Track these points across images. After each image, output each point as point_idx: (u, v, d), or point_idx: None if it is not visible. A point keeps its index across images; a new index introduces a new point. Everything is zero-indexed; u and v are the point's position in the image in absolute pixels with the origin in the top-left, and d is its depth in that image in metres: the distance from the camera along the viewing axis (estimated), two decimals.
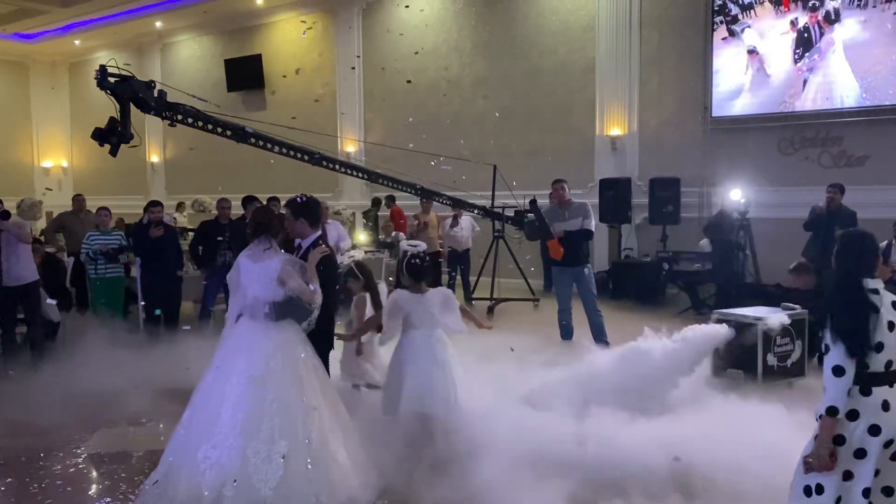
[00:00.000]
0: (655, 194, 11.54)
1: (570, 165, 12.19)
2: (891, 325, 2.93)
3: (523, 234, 8.68)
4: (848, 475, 2.93)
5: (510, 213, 8.80)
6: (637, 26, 12.13)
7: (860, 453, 2.91)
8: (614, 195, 11.72)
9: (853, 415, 2.91)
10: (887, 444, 2.93)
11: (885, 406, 2.92)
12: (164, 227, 8.69)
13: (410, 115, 14.23)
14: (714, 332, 6.14)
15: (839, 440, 2.92)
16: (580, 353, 6.38)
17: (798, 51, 10.66)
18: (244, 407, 3.94)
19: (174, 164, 18.85)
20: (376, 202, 13.18)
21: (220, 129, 5.92)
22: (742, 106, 11.27)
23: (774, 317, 6.40)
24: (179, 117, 5.63)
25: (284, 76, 16.11)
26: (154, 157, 19.15)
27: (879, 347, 2.91)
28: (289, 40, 16.47)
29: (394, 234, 11.82)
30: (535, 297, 10.99)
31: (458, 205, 10.56)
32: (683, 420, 5.12)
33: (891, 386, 2.94)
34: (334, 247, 8.14)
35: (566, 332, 8.07)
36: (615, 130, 12.39)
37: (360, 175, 7.49)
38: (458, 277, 11.49)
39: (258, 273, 4.14)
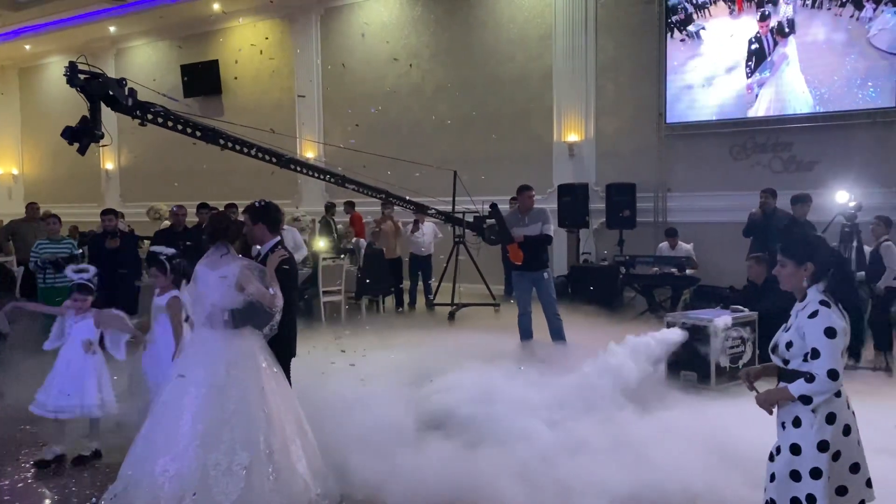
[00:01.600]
0: (612, 199, 11.72)
1: (530, 171, 12.30)
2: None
3: (482, 239, 8.77)
4: (842, 490, 2.84)
5: (470, 218, 8.87)
6: (593, 34, 12.32)
7: (836, 455, 2.84)
8: (572, 200, 11.86)
9: (832, 418, 2.84)
10: (845, 431, 2.88)
11: (848, 404, 2.95)
12: (122, 236, 8.55)
13: (370, 122, 14.24)
14: (670, 336, 6.35)
15: (822, 446, 2.82)
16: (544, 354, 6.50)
17: (750, 64, 10.93)
18: (204, 418, 3.90)
19: (129, 171, 18.52)
20: (329, 208, 13.11)
21: (190, 130, 5.85)
22: (696, 112, 11.52)
23: (721, 319, 6.56)
24: (150, 117, 5.54)
25: (236, 78, 15.92)
26: (108, 164, 18.79)
27: None
28: (246, 46, 16.34)
29: (354, 240, 11.80)
30: (495, 301, 11.06)
31: (421, 210, 10.63)
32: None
33: None
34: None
35: (525, 335, 8.17)
36: (573, 137, 12.56)
37: (328, 178, 7.45)
38: (420, 283, 11.51)
39: (216, 280, 4.10)
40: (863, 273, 8.49)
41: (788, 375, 2.94)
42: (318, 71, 15.35)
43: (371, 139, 12.81)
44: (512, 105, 13.16)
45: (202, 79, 16.48)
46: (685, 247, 10.83)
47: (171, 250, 5.39)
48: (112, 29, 17.57)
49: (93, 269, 5.35)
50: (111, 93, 5.33)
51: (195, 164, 15.87)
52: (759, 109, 10.95)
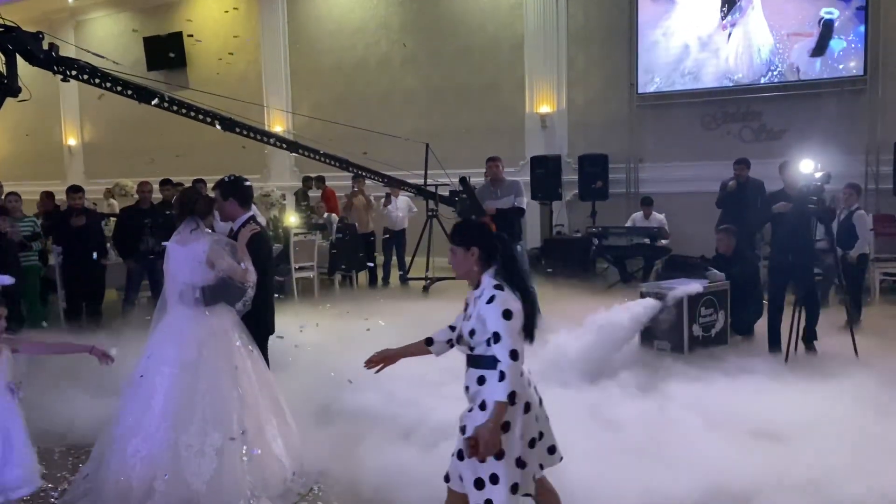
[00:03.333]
0: (585, 171, 11.73)
1: (502, 143, 12.23)
2: None
3: (455, 213, 8.73)
4: (521, 462, 2.92)
5: (444, 192, 8.82)
6: (564, 2, 12.21)
7: (531, 440, 2.97)
8: (545, 172, 11.84)
9: (512, 397, 2.85)
10: (526, 409, 2.96)
11: (530, 381, 3.04)
12: (87, 214, 8.35)
13: (338, 94, 14.04)
14: (646, 306, 6.39)
15: (505, 426, 2.87)
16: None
17: (724, 9, 10.97)
18: (175, 398, 3.82)
19: (93, 147, 18.10)
20: (306, 181, 12.94)
21: (119, 88, 5.67)
22: (667, 82, 11.52)
23: (693, 286, 6.62)
24: (73, 73, 5.36)
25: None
26: (71, 140, 18.34)
27: None
28: (211, 17, 15.95)
29: (326, 215, 11.66)
30: None
31: (392, 183, 10.54)
32: None
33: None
34: None
35: None
36: (545, 108, 12.49)
37: (275, 143, 7.32)
38: (395, 258, 11.44)
39: (186, 256, 3.99)
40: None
41: (475, 361, 3.00)
42: (285, 42, 15.05)
43: (340, 112, 12.60)
44: (483, 76, 13.04)
45: (166, 51, 16.07)
46: (658, 217, 10.89)
47: None
48: (70, 0, 17.03)
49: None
50: (28, 47, 5.13)
51: (161, 140, 15.57)
52: (729, 55, 10.95)
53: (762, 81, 10.81)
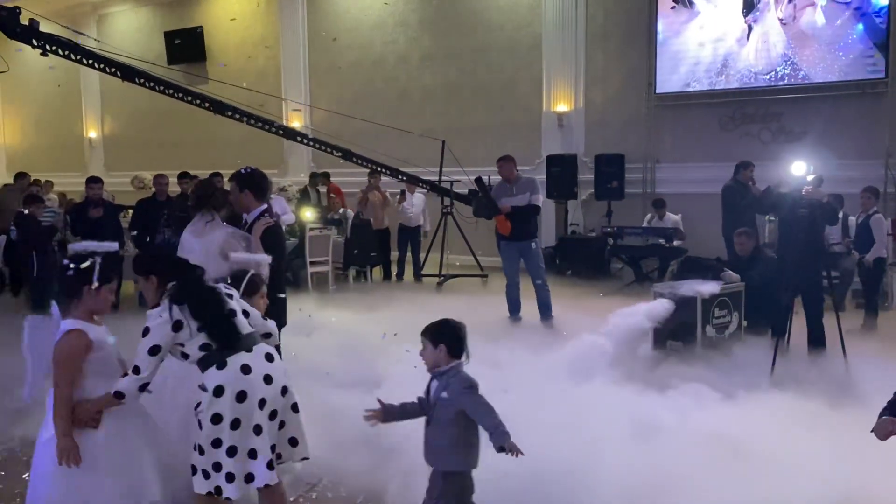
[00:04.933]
0: (601, 170, 11.69)
1: (518, 141, 12.23)
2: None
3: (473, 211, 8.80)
4: (253, 453, 3.05)
5: (462, 190, 8.87)
6: (583, 2, 12.18)
7: (235, 424, 3.04)
8: (561, 171, 11.82)
9: (219, 391, 3.04)
10: (261, 404, 3.08)
11: (246, 370, 3.09)
12: (104, 205, 8.44)
13: (356, 91, 14.09)
14: (657, 307, 6.38)
15: (216, 419, 3.02)
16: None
17: (744, 10, 10.91)
18: (187, 388, 3.84)
19: (113, 139, 18.26)
20: (313, 177, 13.02)
21: (102, 66, 5.73)
22: (685, 82, 11.45)
23: (707, 287, 6.58)
24: (53, 48, 5.42)
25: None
26: (92, 133, 18.52)
27: None
28: (231, 12, 16.05)
29: (341, 210, 11.71)
30: (483, 272, 11.06)
31: (410, 180, 10.60)
32: None
33: (249, 350, 3.15)
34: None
35: (513, 307, 8.16)
36: (562, 107, 12.47)
37: (277, 131, 7.35)
38: (409, 254, 11.47)
39: (200, 248, 4.04)
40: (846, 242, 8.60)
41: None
42: (305, 39, 15.11)
43: (357, 109, 12.65)
44: (500, 74, 13.03)
45: (186, 46, 16.19)
46: (673, 217, 10.85)
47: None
48: None
49: None
50: (4, 21, 5.20)
51: (181, 134, 15.72)
52: (749, 55, 10.88)
53: (782, 83, 10.72)
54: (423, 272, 11.24)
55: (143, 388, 3.08)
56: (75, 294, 3.12)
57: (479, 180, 8.39)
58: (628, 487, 3.75)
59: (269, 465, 3.08)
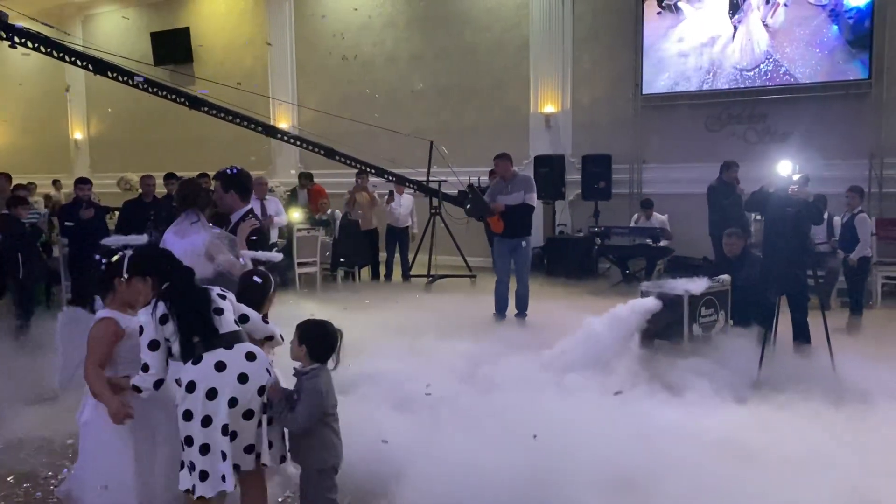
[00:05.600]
0: (588, 171, 11.73)
1: (506, 142, 12.21)
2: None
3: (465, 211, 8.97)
4: (205, 448, 3.02)
5: (451, 191, 8.98)
6: (570, 3, 12.22)
7: (206, 421, 3.02)
8: (549, 172, 11.85)
9: (192, 387, 3.03)
10: (231, 403, 3.04)
11: (220, 367, 3.07)
12: (95, 206, 8.41)
13: (344, 92, 14.07)
14: (644, 305, 6.39)
15: (187, 415, 3.02)
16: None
17: (730, 11, 11.00)
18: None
19: (99, 140, 18.15)
20: (301, 177, 12.99)
21: (74, 59, 5.70)
22: (672, 83, 11.51)
23: (695, 286, 6.61)
24: (23, 40, 5.38)
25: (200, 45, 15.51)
26: (77, 134, 18.41)
27: None
28: (218, 13, 16.00)
29: (329, 211, 11.69)
30: (472, 272, 11.06)
31: (397, 180, 10.62)
32: None
33: (229, 348, 3.12)
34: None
35: (500, 305, 8.22)
36: (549, 108, 12.50)
37: (255, 128, 7.33)
38: (398, 255, 11.46)
39: (184, 248, 4.00)
40: (832, 241, 8.67)
41: None
42: (292, 40, 15.08)
43: (346, 110, 12.64)
44: (488, 75, 13.05)
45: (173, 47, 16.12)
46: (660, 218, 10.90)
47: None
48: None
49: None
50: None
51: (167, 135, 15.65)
52: (734, 56, 10.96)
53: (768, 84, 10.79)
54: (411, 273, 11.24)
55: (159, 384, 3.13)
56: (108, 287, 3.33)
57: (471, 186, 8.63)
58: (620, 483, 3.76)
59: (235, 468, 3.06)
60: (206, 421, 3.01)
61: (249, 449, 3.11)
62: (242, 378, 3.07)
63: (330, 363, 3.26)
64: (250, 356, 3.14)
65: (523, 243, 8.10)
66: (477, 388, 5.33)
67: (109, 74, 5.80)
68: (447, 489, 3.66)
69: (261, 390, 3.12)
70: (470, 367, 5.90)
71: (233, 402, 3.03)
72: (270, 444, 3.20)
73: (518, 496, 3.69)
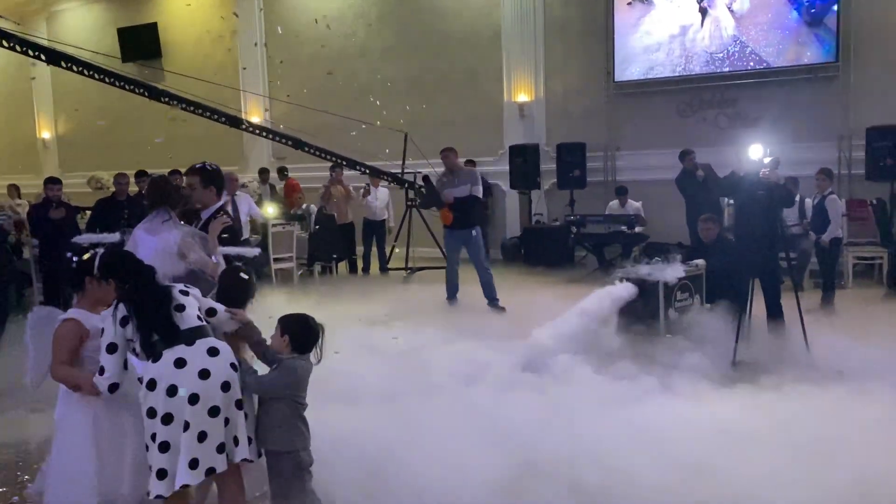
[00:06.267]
0: (563, 160, 11.77)
1: (481, 133, 12.26)
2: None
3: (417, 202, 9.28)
4: (165, 446, 2.97)
5: (421, 182, 9.10)
6: None
7: (167, 419, 2.98)
8: (523, 161, 11.87)
9: (152, 384, 2.99)
10: (192, 399, 2.98)
11: (180, 364, 3.02)
12: (64, 206, 8.28)
13: (317, 85, 13.96)
14: (621, 291, 6.46)
15: (150, 413, 2.99)
16: None
17: None
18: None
19: (68, 139, 17.88)
20: (280, 171, 12.91)
21: (25, 49, 5.61)
22: (643, 70, 11.55)
23: (671, 271, 6.66)
24: None
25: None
26: (45, 133, 18.11)
27: None
28: (185, 7, 15.77)
29: (305, 205, 11.61)
30: None
31: (371, 172, 10.58)
32: None
33: (190, 344, 3.07)
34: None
35: (451, 290, 8.52)
36: (522, 97, 12.50)
37: (220, 119, 7.26)
38: (375, 248, 11.42)
39: (155, 246, 3.96)
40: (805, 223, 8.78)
41: None
42: (262, 33, 14.92)
43: (319, 103, 12.53)
44: (461, 66, 13.00)
45: (141, 42, 15.89)
46: (634, 204, 10.97)
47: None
48: None
49: None
50: None
51: (137, 133, 15.40)
52: (704, 42, 11.04)
53: (737, 69, 10.88)
54: (388, 265, 11.21)
55: (114, 388, 3.09)
56: (79, 285, 3.32)
57: (426, 179, 8.93)
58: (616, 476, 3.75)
59: (192, 465, 2.96)
60: (167, 418, 2.96)
61: (221, 448, 3.03)
62: (203, 374, 3.00)
63: (313, 357, 3.28)
64: (212, 351, 3.07)
65: (473, 232, 8.35)
66: (455, 381, 5.32)
67: (64, 65, 5.69)
68: (427, 485, 3.64)
69: (225, 386, 3.05)
70: (454, 358, 5.89)
71: (194, 399, 2.97)
72: (250, 440, 3.17)
73: (499, 491, 3.69)
